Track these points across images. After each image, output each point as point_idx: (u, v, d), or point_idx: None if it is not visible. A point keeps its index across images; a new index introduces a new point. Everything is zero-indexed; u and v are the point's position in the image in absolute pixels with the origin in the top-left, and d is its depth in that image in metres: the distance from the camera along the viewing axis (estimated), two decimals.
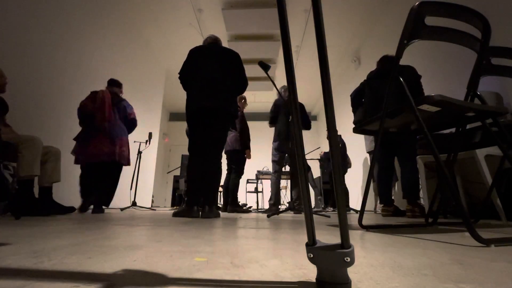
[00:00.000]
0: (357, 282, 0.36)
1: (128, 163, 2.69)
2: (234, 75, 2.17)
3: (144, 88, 5.31)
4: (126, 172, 4.49)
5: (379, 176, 2.49)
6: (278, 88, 3.51)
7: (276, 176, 3.16)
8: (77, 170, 3.36)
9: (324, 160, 5.02)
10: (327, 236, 0.90)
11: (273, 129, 3.33)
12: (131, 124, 2.77)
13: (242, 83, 2.22)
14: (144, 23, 4.91)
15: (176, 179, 6.20)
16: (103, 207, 2.52)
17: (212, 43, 2.29)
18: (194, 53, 2.18)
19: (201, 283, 0.35)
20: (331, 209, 4.64)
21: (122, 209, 3.21)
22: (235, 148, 3.59)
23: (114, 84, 2.81)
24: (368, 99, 2.41)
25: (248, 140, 3.70)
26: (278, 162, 3.17)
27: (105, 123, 2.50)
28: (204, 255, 0.53)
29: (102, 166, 2.52)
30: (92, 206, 2.44)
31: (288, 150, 3.16)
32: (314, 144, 8.60)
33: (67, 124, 3.19)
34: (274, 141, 3.22)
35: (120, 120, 2.67)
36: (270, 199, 3.11)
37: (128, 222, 1.39)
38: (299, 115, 0.37)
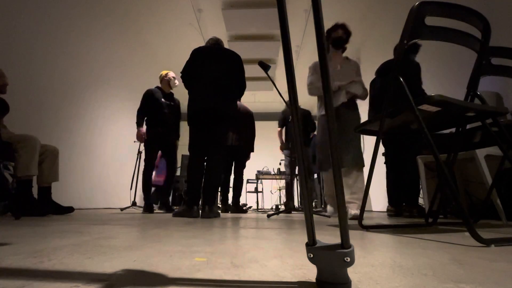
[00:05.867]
0: (357, 282, 0.36)
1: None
2: (235, 77, 2.18)
3: (144, 88, 5.28)
4: (127, 172, 4.50)
5: (388, 177, 2.51)
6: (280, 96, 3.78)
7: (289, 178, 3.37)
8: (75, 170, 3.36)
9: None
10: (327, 236, 0.90)
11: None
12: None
13: (241, 85, 2.24)
14: (144, 23, 4.90)
15: (176, 179, 6.22)
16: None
17: (215, 44, 2.31)
18: (197, 54, 2.19)
19: (201, 283, 0.35)
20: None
21: (122, 209, 3.21)
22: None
23: None
24: (373, 97, 2.49)
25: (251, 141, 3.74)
26: (289, 166, 3.66)
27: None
28: (204, 255, 0.53)
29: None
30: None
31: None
32: None
33: (66, 123, 3.19)
34: (285, 148, 3.82)
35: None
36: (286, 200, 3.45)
37: (128, 222, 1.39)
38: (300, 117, 0.37)
